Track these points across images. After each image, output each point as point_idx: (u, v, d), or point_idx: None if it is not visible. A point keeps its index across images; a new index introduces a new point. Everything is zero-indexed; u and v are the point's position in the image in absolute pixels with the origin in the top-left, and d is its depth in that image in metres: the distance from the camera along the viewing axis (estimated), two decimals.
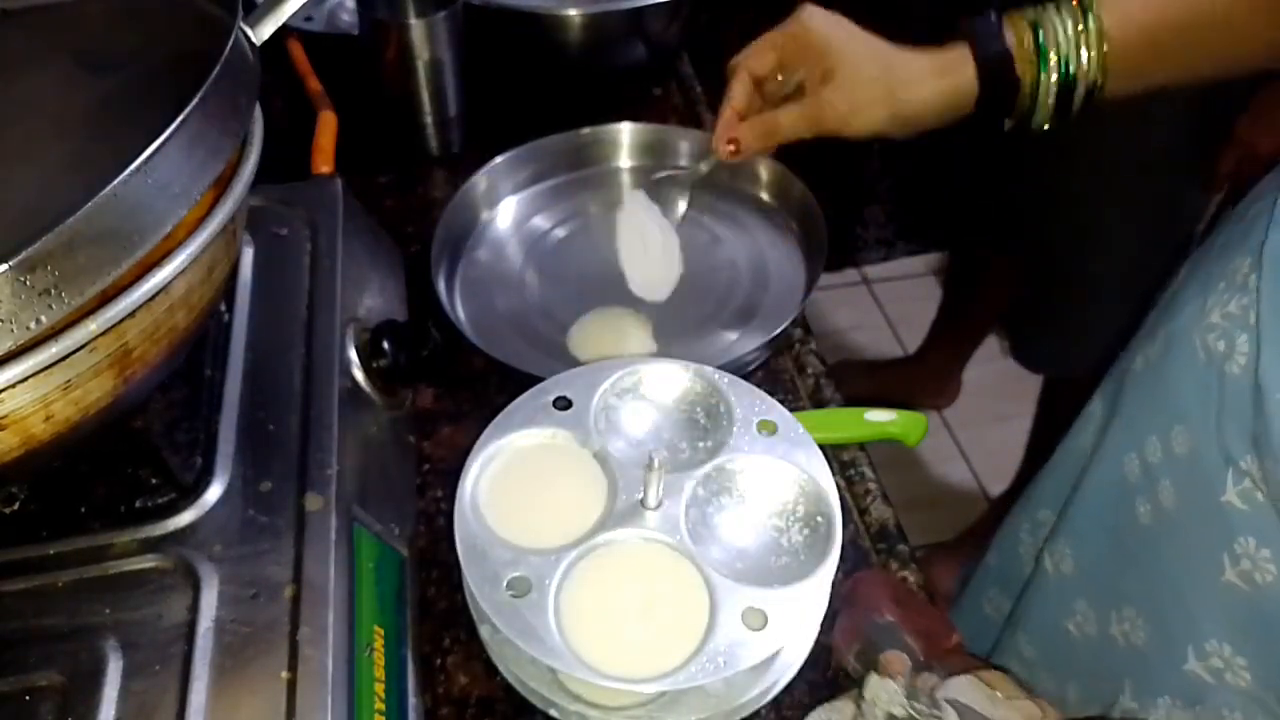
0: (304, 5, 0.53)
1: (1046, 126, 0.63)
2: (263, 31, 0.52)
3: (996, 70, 0.61)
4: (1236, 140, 1.10)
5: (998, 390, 1.98)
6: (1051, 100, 0.62)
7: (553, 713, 0.51)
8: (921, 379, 1.92)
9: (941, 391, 1.94)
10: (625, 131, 0.89)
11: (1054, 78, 0.61)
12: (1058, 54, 0.60)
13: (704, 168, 0.75)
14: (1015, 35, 0.61)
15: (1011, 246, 1.46)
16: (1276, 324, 0.54)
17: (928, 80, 0.62)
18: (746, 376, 0.59)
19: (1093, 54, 0.60)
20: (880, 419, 0.67)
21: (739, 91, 0.67)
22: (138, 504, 0.52)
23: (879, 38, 0.64)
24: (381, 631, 0.52)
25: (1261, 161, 1.05)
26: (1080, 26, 0.60)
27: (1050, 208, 1.25)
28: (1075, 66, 0.60)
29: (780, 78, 0.67)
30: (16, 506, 0.52)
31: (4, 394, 0.39)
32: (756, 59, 0.66)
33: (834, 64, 0.62)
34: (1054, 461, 0.81)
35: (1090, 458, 0.72)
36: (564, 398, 0.56)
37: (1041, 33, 0.60)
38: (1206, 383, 0.59)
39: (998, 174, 1.32)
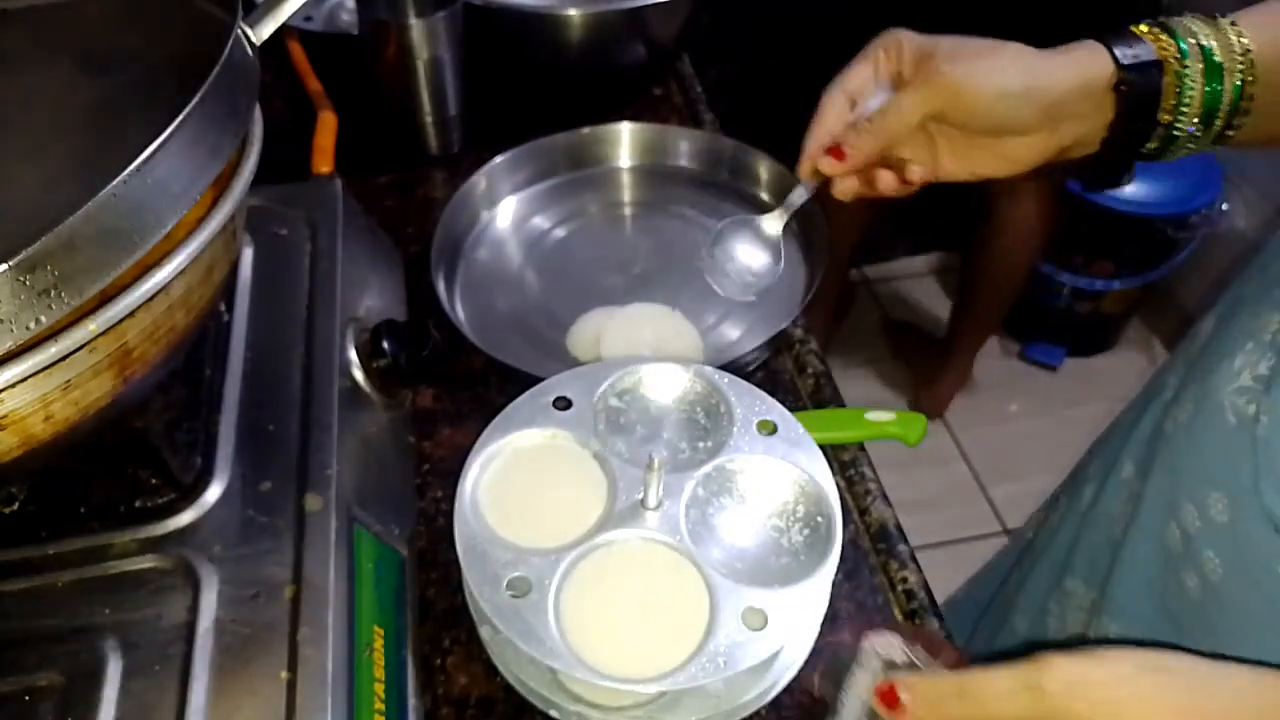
0: (304, 5, 0.53)
1: (1192, 145, 0.57)
2: (262, 31, 0.52)
3: (1135, 55, 0.54)
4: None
5: (998, 390, 1.98)
6: (1199, 95, 0.54)
7: (553, 713, 0.51)
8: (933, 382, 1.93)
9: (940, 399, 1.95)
10: (625, 131, 0.89)
11: (1200, 65, 0.54)
12: (1198, 43, 0.54)
13: (796, 201, 0.63)
14: (1147, 33, 0.55)
15: None
16: None
17: (1058, 58, 0.55)
18: (746, 376, 0.59)
19: (1235, 53, 0.54)
20: (880, 419, 0.67)
21: (831, 108, 0.58)
22: (137, 504, 0.52)
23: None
24: (381, 632, 0.52)
25: None
26: (1216, 30, 0.54)
27: None
28: (1221, 57, 0.53)
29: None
30: (16, 507, 0.52)
31: (4, 394, 0.39)
32: (852, 76, 0.58)
33: (944, 49, 0.55)
34: (1077, 526, 0.77)
35: (1126, 529, 0.69)
36: (564, 398, 0.56)
37: (1176, 32, 0.54)
38: (1239, 447, 0.56)
39: None
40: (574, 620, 0.47)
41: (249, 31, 0.51)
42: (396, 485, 0.63)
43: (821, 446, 0.54)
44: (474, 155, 0.87)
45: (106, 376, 0.43)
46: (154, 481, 0.53)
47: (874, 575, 0.63)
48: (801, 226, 0.82)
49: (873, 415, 0.68)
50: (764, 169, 0.85)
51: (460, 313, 0.76)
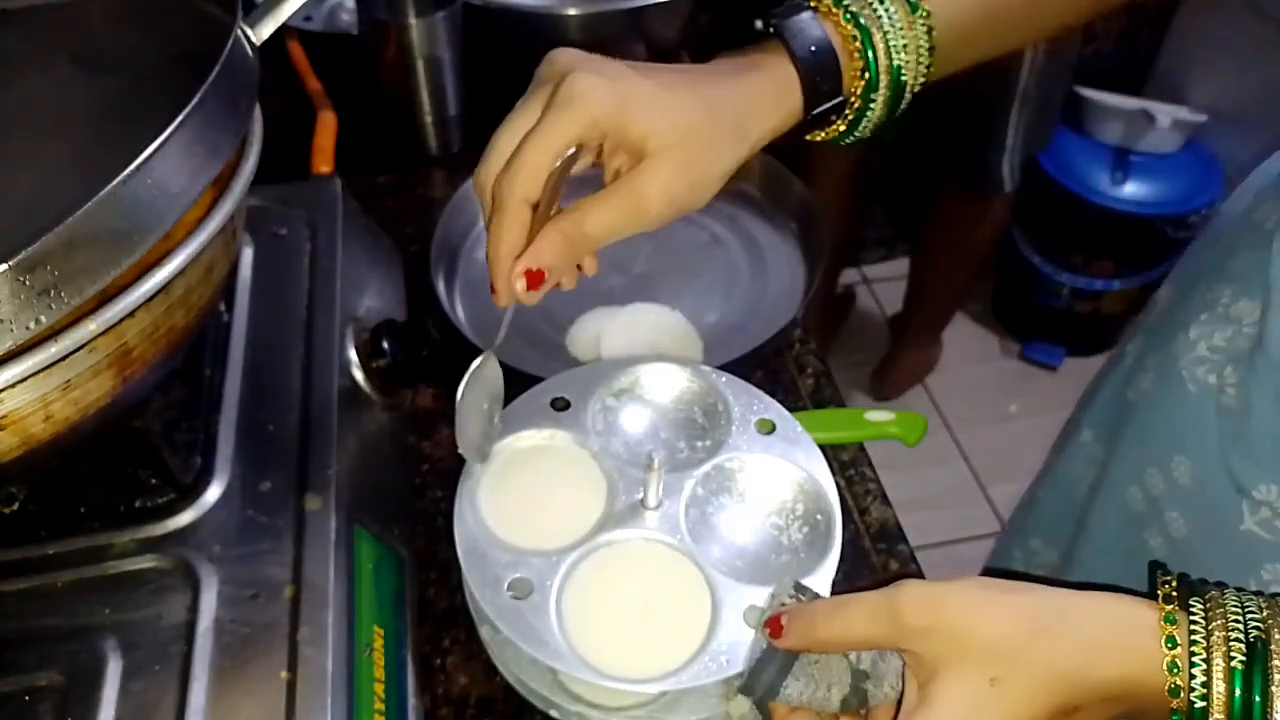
0: (304, 5, 0.53)
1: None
2: (262, 31, 0.52)
3: (824, 94, 0.49)
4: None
5: (998, 390, 1.98)
6: (877, 117, 0.51)
7: (553, 713, 0.51)
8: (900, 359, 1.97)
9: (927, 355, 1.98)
10: None
11: (885, 94, 0.49)
12: (890, 59, 0.48)
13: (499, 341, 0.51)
14: (840, 39, 0.48)
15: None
16: None
17: (765, 117, 0.48)
18: (746, 376, 0.59)
19: (922, 61, 0.49)
20: (880, 419, 0.67)
21: (514, 229, 0.45)
22: (137, 504, 0.52)
23: (671, 69, 0.47)
24: (381, 632, 0.52)
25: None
26: (907, 26, 0.48)
27: None
28: (908, 76, 0.49)
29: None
30: (16, 507, 0.52)
31: (4, 394, 0.39)
32: (529, 179, 0.45)
33: (641, 139, 0.45)
34: (1043, 489, 0.80)
35: (1091, 493, 0.70)
36: (562, 398, 0.56)
37: (870, 42, 0.48)
38: (1202, 414, 0.59)
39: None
40: (576, 621, 0.47)
41: (249, 31, 0.51)
42: (396, 485, 0.63)
43: (821, 446, 0.54)
44: (474, 155, 0.85)
45: (106, 376, 0.43)
46: (154, 481, 0.53)
47: (874, 575, 0.63)
48: (800, 226, 0.82)
49: (873, 415, 0.68)
50: (763, 169, 0.85)
51: (460, 313, 0.76)
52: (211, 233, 0.44)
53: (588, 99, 0.44)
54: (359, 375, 0.61)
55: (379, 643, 0.51)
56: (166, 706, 0.45)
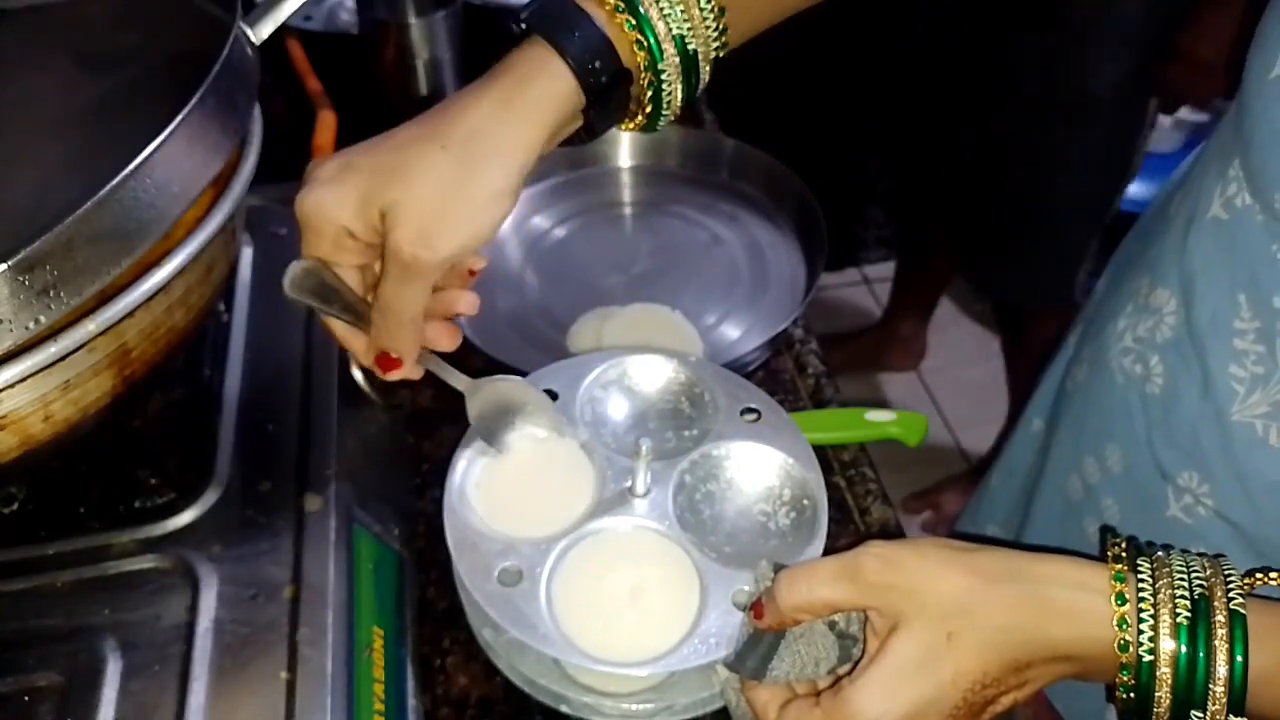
0: (303, 4, 0.53)
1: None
2: (262, 31, 0.52)
3: (599, 76, 0.46)
4: (1181, 54, 1.17)
5: (998, 390, 1.98)
6: (679, 94, 0.48)
7: (564, 708, 0.51)
8: (889, 343, 1.99)
9: (909, 352, 2.00)
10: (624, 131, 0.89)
11: (675, 63, 0.47)
12: (670, 33, 0.46)
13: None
14: (611, 26, 0.45)
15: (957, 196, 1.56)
16: (1217, 342, 0.53)
17: (525, 123, 0.46)
18: (747, 376, 0.59)
19: (711, 32, 0.47)
20: (880, 419, 0.67)
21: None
22: (137, 504, 0.52)
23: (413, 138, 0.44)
24: (381, 632, 0.52)
25: (1204, 70, 1.15)
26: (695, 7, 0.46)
27: (1005, 146, 1.36)
28: (696, 44, 0.46)
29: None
30: (16, 507, 0.52)
31: (3, 394, 0.39)
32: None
33: (391, 203, 0.42)
34: (996, 477, 0.82)
35: (1036, 479, 0.72)
36: (550, 390, 0.56)
37: (643, 17, 0.45)
38: (1129, 403, 0.60)
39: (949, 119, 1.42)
40: (566, 606, 0.48)
41: (249, 31, 0.51)
42: (396, 485, 0.63)
43: (822, 447, 0.54)
44: None
45: (106, 376, 0.43)
46: (153, 481, 0.53)
47: None
48: (799, 226, 0.82)
49: (873, 415, 0.68)
50: (763, 169, 0.85)
51: None
52: (211, 233, 0.44)
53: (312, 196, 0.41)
54: (359, 375, 0.61)
55: (379, 643, 0.51)
56: (166, 706, 0.45)
